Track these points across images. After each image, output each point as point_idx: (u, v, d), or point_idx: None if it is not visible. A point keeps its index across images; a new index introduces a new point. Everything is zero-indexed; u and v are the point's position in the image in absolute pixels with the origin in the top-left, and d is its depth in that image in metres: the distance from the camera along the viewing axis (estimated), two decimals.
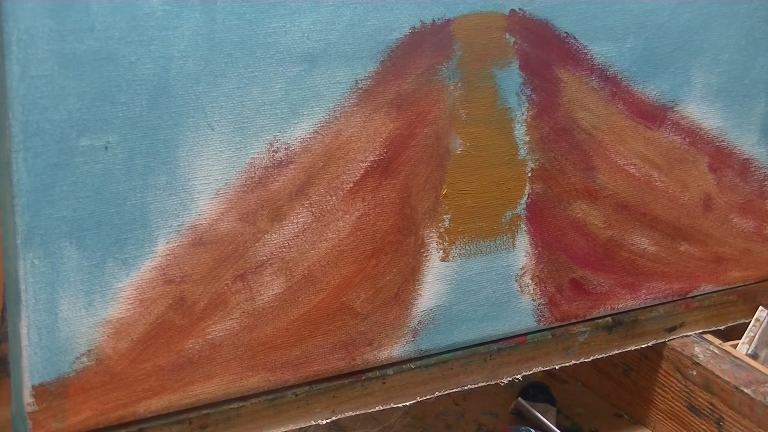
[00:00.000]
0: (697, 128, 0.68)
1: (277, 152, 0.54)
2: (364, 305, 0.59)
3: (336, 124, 0.55)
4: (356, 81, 0.55)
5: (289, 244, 0.55)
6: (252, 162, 0.53)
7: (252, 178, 0.53)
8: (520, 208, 0.63)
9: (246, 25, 0.51)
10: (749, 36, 0.68)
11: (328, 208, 0.56)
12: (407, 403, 0.63)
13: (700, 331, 0.75)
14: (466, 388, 0.65)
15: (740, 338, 0.77)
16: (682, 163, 0.68)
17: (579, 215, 0.65)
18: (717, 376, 0.71)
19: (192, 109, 0.51)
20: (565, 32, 0.61)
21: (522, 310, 0.65)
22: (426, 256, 0.60)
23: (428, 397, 0.64)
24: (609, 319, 0.70)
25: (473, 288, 0.62)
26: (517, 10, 0.58)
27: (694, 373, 0.73)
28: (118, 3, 0.47)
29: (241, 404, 0.57)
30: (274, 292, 0.56)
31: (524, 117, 0.61)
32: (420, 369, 0.63)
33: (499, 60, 0.59)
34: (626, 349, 0.72)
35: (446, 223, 0.60)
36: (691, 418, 0.74)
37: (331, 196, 0.56)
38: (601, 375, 0.83)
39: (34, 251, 0.49)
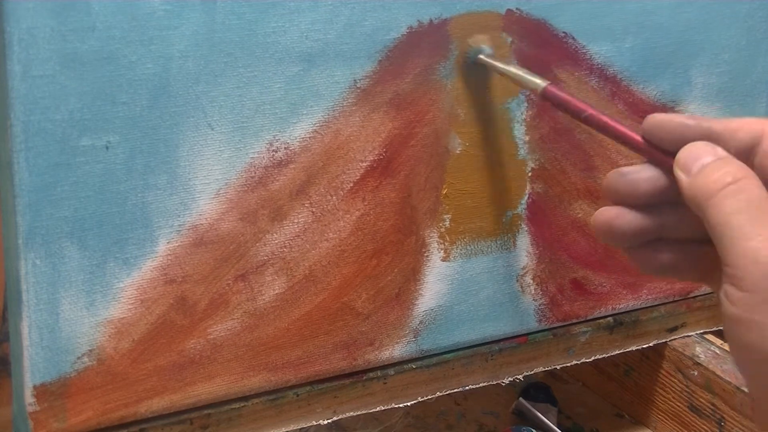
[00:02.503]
0: None
1: (276, 152, 0.54)
2: (366, 305, 0.59)
3: (335, 124, 0.55)
4: (354, 81, 0.55)
5: (290, 244, 0.55)
6: (252, 162, 0.53)
7: (252, 177, 0.53)
8: (521, 208, 0.63)
9: (246, 25, 0.51)
10: (750, 36, 0.68)
11: (329, 207, 0.56)
12: (408, 403, 0.63)
13: (702, 331, 0.75)
14: (467, 388, 0.65)
15: None
16: None
17: (580, 215, 0.65)
18: (718, 377, 0.71)
19: (192, 108, 0.51)
20: (564, 32, 0.61)
21: (523, 310, 0.65)
22: (427, 256, 0.60)
23: (429, 397, 0.64)
24: (610, 319, 0.70)
25: (474, 288, 0.62)
26: (513, 9, 0.58)
27: (696, 373, 0.73)
28: (120, 3, 0.48)
29: (242, 404, 0.57)
30: (276, 292, 0.56)
31: (524, 117, 0.61)
32: (421, 369, 0.63)
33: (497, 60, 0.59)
34: (627, 350, 0.72)
35: (447, 223, 0.60)
36: (692, 419, 0.74)
37: (331, 196, 0.56)
38: (602, 375, 0.83)
39: (36, 251, 0.49)
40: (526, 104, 0.61)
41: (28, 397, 0.50)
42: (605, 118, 0.48)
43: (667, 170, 0.44)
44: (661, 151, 0.44)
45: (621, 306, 0.69)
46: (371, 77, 0.55)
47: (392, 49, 0.55)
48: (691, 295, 0.72)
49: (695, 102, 0.67)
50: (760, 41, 0.68)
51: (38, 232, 0.49)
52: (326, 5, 0.53)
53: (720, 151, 0.42)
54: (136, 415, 0.54)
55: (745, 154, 0.42)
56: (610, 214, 0.45)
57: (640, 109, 0.65)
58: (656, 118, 0.45)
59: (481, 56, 0.57)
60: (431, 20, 0.56)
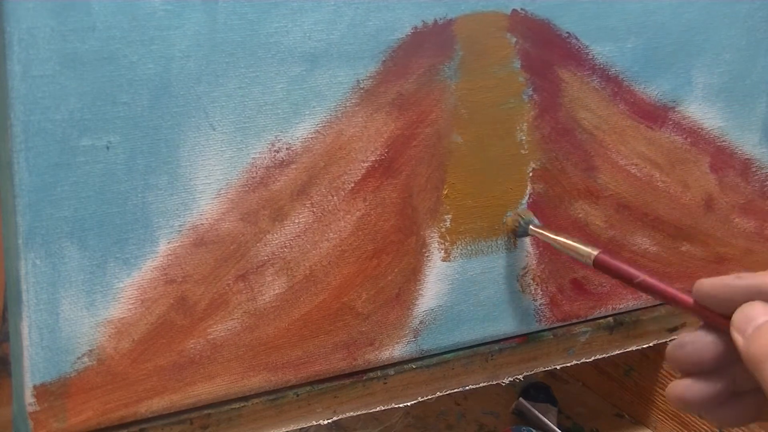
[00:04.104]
0: (698, 128, 0.68)
1: (278, 152, 0.54)
2: (366, 305, 0.59)
3: (338, 124, 0.55)
4: (358, 81, 0.55)
5: (290, 244, 0.55)
6: (254, 162, 0.53)
7: (253, 178, 0.53)
8: (522, 208, 0.63)
9: (247, 25, 0.51)
10: (751, 36, 0.68)
11: (330, 208, 0.56)
12: (408, 403, 0.63)
13: None
14: (467, 388, 0.65)
15: None
16: (683, 163, 0.68)
17: (580, 215, 0.65)
18: None
19: (193, 108, 0.51)
20: (567, 32, 0.61)
21: (523, 310, 0.65)
22: (427, 256, 0.60)
23: (429, 397, 0.64)
24: (610, 319, 0.70)
25: (474, 288, 0.62)
26: (518, 9, 0.58)
27: None
28: (120, 3, 0.48)
29: (242, 404, 0.57)
30: (276, 292, 0.56)
31: (525, 117, 0.61)
32: (421, 369, 0.63)
33: (501, 60, 0.59)
34: (627, 349, 0.72)
35: (447, 223, 0.60)
36: (692, 419, 0.75)
37: (332, 196, 0.56)
38: (602, 375, 0.83)
39: (36, 251, 0.49)
40: (528, 105, 0.61)
41: (28, 397, 0.50)
42: (658, 283, 0.48)
43: (724, 332, 0.43)
44: (716, 314, 0.44)
45: (621, 306, 0.69)
46: (374, 78, 0.55)
47: (396, 50, 0.55)
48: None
49: (696, 102, 0.67)
50: (760, 41, 0.68)
51: (38, 232, 0.49)
52: (329, 5, 0.53)
53: None
54: (136, 415, 0.54)
55: None
56: (680, 389, 0.45)
57: (641, 108, 0.65)
58: (704, 284, 0.45)
59: (532, 227, 0.61)
60: (436, 20, 0.56)
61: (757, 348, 0.41)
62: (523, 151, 0.61)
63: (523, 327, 0.65)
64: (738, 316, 0.42)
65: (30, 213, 0.48)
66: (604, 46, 0.62)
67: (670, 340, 0.74)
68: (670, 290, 0.48)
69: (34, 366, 0.50)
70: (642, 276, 0.49)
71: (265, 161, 0.53)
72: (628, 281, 0.51)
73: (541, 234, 0.60)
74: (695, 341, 0.44)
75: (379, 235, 0.58)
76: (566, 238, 0.57)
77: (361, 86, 0.55)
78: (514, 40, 0.59)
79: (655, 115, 0.66)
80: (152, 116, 0.50)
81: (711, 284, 0.44)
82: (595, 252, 0.54)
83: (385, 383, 0.62)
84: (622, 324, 0.70)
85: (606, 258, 0.53)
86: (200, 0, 0.49)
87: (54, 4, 0.46)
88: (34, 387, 0.50)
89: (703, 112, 0.68)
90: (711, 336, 0.44)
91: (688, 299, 0.46)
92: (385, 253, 0.58)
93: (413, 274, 0.60)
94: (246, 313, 0.55)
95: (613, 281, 0.68)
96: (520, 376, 0.67)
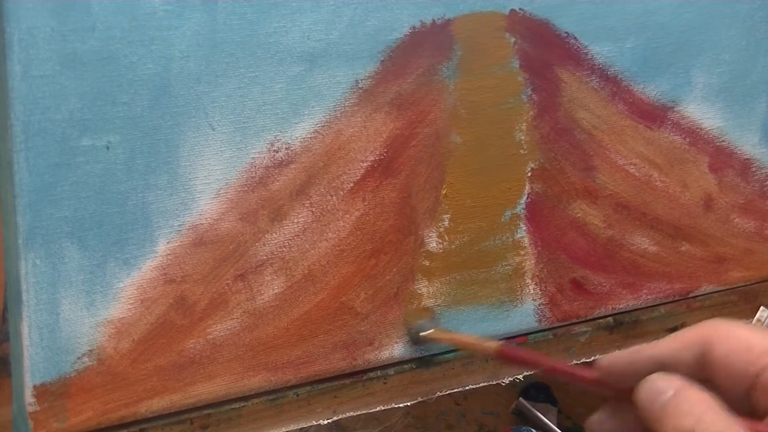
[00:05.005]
0: (697, 128, 0.68)
1: (277, 152, 0.54)
2: (364, 305, 0.59)
3: (337, 124, 0.55)
4: (357, 81, 0.55)
5: (289, 244, 0.55)
6: (253, 162, 0.53)
7: (253, 177, 0.53)
8: (520, 207, 0.63)
9: (247, 25, 0.51)
10: (750, 36, 0.68)
11: (329, 207, 0.56)
12: (408, 403, 0.63)
13: None
14: (467, 388, 0.65)
15: None
16: (682, 163, 0.68)
17: (579, 215, 0.65)
18: None
19: (193, 109, 0.51)
20: (566, 32, 0.61)
21: (522, 310, 0.65)
22: (426, 256, 0.60)
23: (429, 397, 0.64)
24: (610, 319, 0.70)
25: (473, 288, 0.62)
26: (517, 10, 0.58)
27: None
28: (120, 3, 0.48)
29: (242, 404, 0.57)
30: (275, 291, 0.56)
31: (524, 117, 0.61)
32: (421, 369, 0.63)
33: (500, 60, 0.59)
34: None
35: (446, 223, 0.60)
36: None
37: (331, 196, 0.56)
38: None
39: (36, 251, 0.49)
40: (527, 104, 0.61)
41: (28, 397, 0.50)
42: (563, 367, 0.48)
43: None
44: (622, 390, 0.43)
45: (621, 306, 0.69)
46: (373, 77, 0.55)
47: (395, 50, 0.55)
48: (691, 295, 0.72)
49: (695, 102, 0.67)
50: (760, 41, 0.68)
51: (38, 232, 0.49)
52: (328, 5, 0.53)
53: (675, 382, 0.40)
54: (136, 415, 0.54)
55: (698, 366, 0.41)
56: None
57: (640, 108, 0.65)
58: (604, 361, 0.43)
59: (423, 333, 0.59)
60: (434, 20, 0.56)
61: (670, 430, 0.38)
62: (521, 151, 0.62)
63: (522, 327, 0.65)
64: (641, 395, 0.40)
65: (30, 213, 0.48)
66: (603, 46, 0.62)
67: None
68: (573, 371, 0.47)
69: (34, 366, 0.50)
70: (546, 363, 0.49)
71: (264, 161, 0.54)
72: (533, 368, 0.51)
73: (435, 338, 0.59)
74: (609, 419, 0.43)
75: (378, 235, 0.58)
76: (464, 336, 0.57)
77: (360, 86, 0.55)
78: (513, 40, 0.59)
79: (654, 115, 0.66)
80: (152, 116, 0.50)
81: (610, 360, 0.43)
82: (495, 343, 0.52)
83: (385, 383, 0.62)
84: (621, 324, 0.70)
85: (509, 349, 0.52)
86: (200, 0, 0.50)
87: (54, 4, 0.46)
88: (34, 387, 0.50)
89: (702, 112, 0.68)
90: (623, 411, 0.43)
91: (591, 376, 0.44)
92: (383, 253, 0.58)
93: (411, 274, 0.60)
94: (245, 313, 0.55)
95: (613, 281, 0.68)
96: (520, 376, 0.67)
